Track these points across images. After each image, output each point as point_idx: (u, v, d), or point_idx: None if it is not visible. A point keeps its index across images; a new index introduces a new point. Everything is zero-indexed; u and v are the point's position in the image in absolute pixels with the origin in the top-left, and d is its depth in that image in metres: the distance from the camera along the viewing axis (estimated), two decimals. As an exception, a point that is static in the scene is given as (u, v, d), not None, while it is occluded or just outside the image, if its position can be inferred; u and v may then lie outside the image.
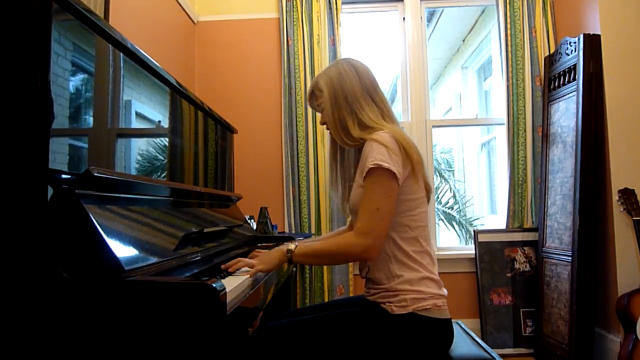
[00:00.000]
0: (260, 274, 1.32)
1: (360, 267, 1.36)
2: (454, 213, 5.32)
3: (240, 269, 1.28)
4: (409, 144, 1.25)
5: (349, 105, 1.32)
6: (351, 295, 2.76)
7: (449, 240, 5.24)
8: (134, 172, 1.29)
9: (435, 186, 3.36)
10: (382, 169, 1.18)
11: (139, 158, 1.33)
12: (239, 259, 1.30)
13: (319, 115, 1.45)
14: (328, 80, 1.36)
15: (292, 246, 1.28)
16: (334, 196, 1.51)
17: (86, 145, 1.06)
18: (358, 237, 1.19)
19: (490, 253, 2.78)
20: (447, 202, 5.40)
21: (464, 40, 4.86)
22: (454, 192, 5.52)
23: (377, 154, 1.19)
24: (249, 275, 1.23)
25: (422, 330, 1.20)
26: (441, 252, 2.94)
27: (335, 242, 1.27)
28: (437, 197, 5.32)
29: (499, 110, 3.05)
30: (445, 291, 1.27)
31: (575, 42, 2.44)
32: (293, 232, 2.83)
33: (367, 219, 1.19)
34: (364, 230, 1.19)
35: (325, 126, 1.41)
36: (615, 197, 2.27)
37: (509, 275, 2.75)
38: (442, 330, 1.22)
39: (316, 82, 1.40)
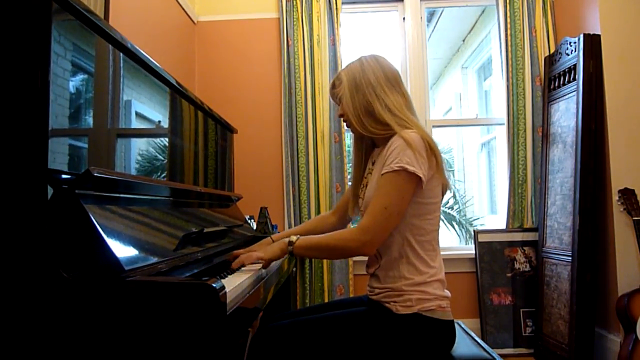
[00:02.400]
0: (262, 272, 1.33)
1: (369, 262, 1.34)
2: (454, 213, 5.32)
3: (244, 265, 1.31)
4: (435, 144, 1.23)
5: (371, 89, 1.28)
6: (351, 295, 2.76)
7: (449, 240, 5.23)
8: (134, 172, 1.29)
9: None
10: (406, 172, 1.16)
11: (139, 158, 1.33)
12: (241, 253, 1.32)
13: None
14: (349, 71, 1.34)
15: (293, 238, 1.29)
16: (352, 192, 1.47)
17: (86, 145, 1.06)
18: (358, 233, 1.19)
19: (490, 253, 2.78)
20: (447, 202, 5.40)
21: (464, 40, 4.86)
22: (454, 192, 5.52)
23: (403, 156, 1.17)
24: (261, 267, 1.28)
25: (425, 330, 1.20)
26: (441, 252, 2.93)
27: (335, 235, 1.26)
28: (437, 197, 5.29)
29: (499, 110, 3.05)
30: (448, 293, 1.27)
31: (575, 42, 2.44)
32: (293, 232, 2.83)
33: (372, 216, 1.18)
34: (366, 226, 1.18)
35: (342, 119, 1.38)
36: (615, 197, 2.26)
37: (509, 275, 2.75)
38: (445, 331, 1.22)
39: (339, 73, 1.39)
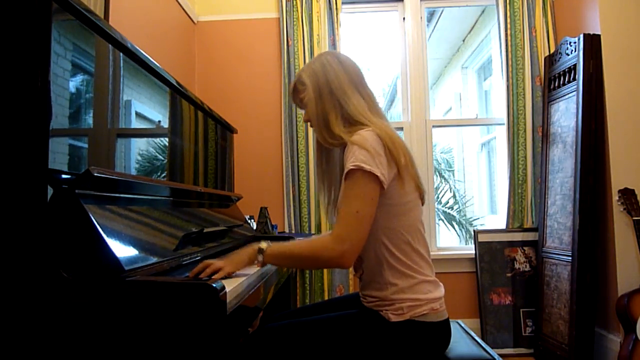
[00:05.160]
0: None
1: (355, 266, 1.31)
2: (454, 213, 5.33)
3: (208, 276, 1.15)
4: (395, 143, 1.17)
5: (333, 97, 1.24)
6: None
7: (449, 240, 5.24)
8: (134, 172, 1.29)
9: (435, 186, 3.34)
10: (362, 172, 1.11)
11: (139, 158, 1.33)
12: (206, 261, 1.17)
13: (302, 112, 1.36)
14: (311, 73, 1.29)
15: (264, 245, 1.21)
16: (321, 200, 1.42)
17: (86, 145, 1.07)
18: (333, 242, 1.11)
19: (490, 253, 2.78)
20: (447, 202, 5.40)
21: (464, 40, 4.86)
22: (454, 192, 5.52)
23: (358, 154, 1.12)
24: (217, 277, 1.11)
25: (419, 335, 1.18)
26: (441, 252, 2.94)
27: (309, 244, 1.18)
28: (437, 197, 5.32)
29: (499, 110, 3.05)
30: (442, 291, 1.24)
31: (575, 42, 2.44)
32: (293, 232, 2.83)
33: (345, 223, 1.12)
34: (340, 235, 1.11)
35: (309, 124, 1.34)
36: (615, 197, 2.27)
37: (509, 275, 2.75)
38: (439, 332, 1.21)
39: (299, 75, 1.33)
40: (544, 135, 2.70)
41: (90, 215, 0.92)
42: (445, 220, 5.26)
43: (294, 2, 2.90)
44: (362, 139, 1.15)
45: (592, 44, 2.36)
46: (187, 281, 0.92)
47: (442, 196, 5.45)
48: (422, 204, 1.28)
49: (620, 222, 2.26)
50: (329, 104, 1.25)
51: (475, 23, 4.39)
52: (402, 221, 1.20)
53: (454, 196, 5.48)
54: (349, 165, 1.13)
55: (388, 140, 1.16)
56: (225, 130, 2.22)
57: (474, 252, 2.81)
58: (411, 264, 1.20)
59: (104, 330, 0.87)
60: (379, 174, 1.12)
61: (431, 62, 4.79)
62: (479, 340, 1.38)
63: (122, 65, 1.23)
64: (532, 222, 2.80)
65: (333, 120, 1.24)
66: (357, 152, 1.13)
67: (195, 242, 1.34)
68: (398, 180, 1.18)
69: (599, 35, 2.36)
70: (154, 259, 1.03)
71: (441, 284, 1.27)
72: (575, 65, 2.44)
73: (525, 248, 2.77)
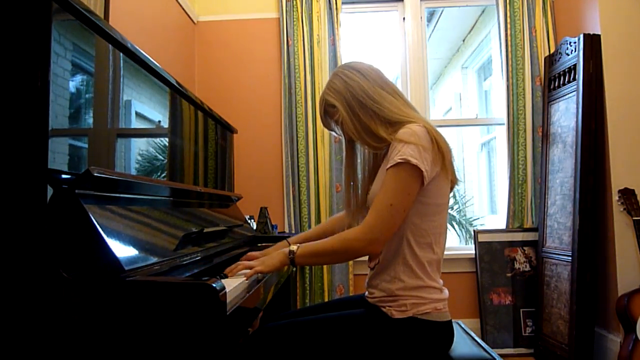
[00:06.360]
0: (258, 275, 1.31)
1: (371, 256, 1.32)
2: (454, 213, 5.32)
3: (240, 272, 1.25)
4: (442, 138, 1.19)
5: (366, 109, 1.26)
6: (351, 295, 2.76)
7: (449, 240, 5.20)
8: (134, 172, 1.29)
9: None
10: (409, 165, 1.13)
11: (139, 158, 1.33)
12: (238, 262, 1.27)
13: (322, 118, 1.39)
14: (336, 94, 1.31)
15: (293, 247, 1.24)
16: (349, 216, 1.42)
17: (86, 145, 1.07)
18: (363, 231, 1.15)
19: (490, 253, 2.78)
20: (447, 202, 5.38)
21: (464, 40, 4.86)
22: (454, 192, 5.50)
23: (406, 149, 1.14)
24: (245, 278, 1.20)
25: (421, 333, 1.19)
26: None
27: (339, 237, 1.21)
28: (437, 197, 5.29)
29: (499, 110, 3.05)
30: (446, 293, 1.25)
31: (575, 42, 2.44)
32: (293, 232, 2.83)
33: (377, 213, 1.14)
34: (371, 224, 1.14)
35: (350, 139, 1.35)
36: (615, 197, 2.27)
37: (509, 275, 2.75)
38: (442, 332, 1.22)
39: (324, 100, 1.34)
40: (544, 135, 2.70)
41: (90, 215, 0.92)
42: (445, 220, 5.24)
43: (294, 2, 2.90)
44: (411, 133, 1.16)
45: (592, 44, 2.36)
46: (187, 281, 0.92)
47: (442, 196, 5.43)
48: (451, 191, 1.30)
49: (620, 222, 2.26)
50: (365, 116, 1.27)
51: (475, 23, 4.39)
52: (431, 222, 1.22)
53: (454, 196, 5.47)
54: (396, 158, 1.14)
55: (435, 134, 1.18)
56: (225, 130, 2.22)
57: (474, 252, 2.81)
58: (427, 266, 1.22)
59: (104, 330, 0.87)
60: (423, 169, 1.13)
61: (431, 62, 4.79)
62: (479, 341, 1.38)
63: (122, 65, 1.23)
64: (532, 222, 2.80)
65: (375, 128, 1.26)
66: (404, 146, 1.14)
67: (195, 242, 1.34)
68: (439, 178, 1.20)
69: (599, 35, 2.36)
70: (154, 259, 1.03)
71: (445, 288, 1.27)
72: (575, 65, 2.44)
73: (525, 248, 2.77)
